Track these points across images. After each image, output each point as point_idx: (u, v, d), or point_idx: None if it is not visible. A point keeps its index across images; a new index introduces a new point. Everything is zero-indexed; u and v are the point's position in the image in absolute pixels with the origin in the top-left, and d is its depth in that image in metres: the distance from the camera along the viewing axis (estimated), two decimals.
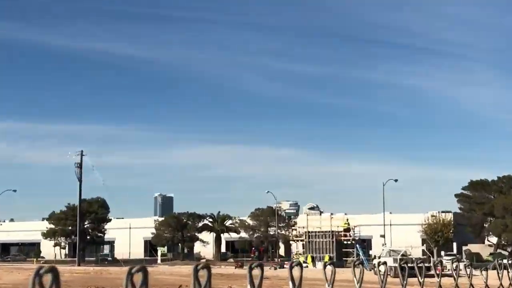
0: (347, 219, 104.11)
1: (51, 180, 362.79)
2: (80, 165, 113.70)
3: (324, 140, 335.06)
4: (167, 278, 64.71)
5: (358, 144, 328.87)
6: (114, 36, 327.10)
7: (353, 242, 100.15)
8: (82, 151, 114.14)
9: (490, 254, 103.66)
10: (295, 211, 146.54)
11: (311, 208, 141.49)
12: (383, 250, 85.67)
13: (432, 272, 64.88)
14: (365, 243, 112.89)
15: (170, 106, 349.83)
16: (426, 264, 66.38)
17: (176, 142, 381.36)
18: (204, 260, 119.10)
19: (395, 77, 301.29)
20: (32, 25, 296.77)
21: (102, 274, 76.47)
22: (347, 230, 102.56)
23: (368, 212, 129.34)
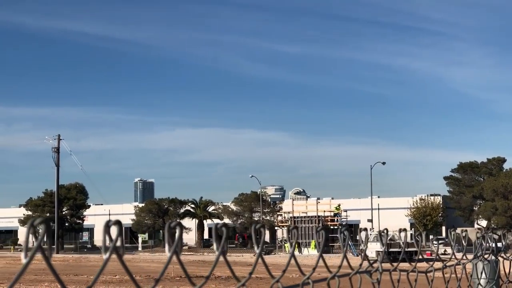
0: (339, 204, 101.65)
1: (28, 165, 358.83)
2: (57, 150, 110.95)
3: (310, 123, 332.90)
4: (148, 266, 62.93)
5: (345, 126, 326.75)
6: (91, 17, 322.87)
7: (339, 227, 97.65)
8: (59, 135, 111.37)
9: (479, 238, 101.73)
10: (280, 196, 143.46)
11: (297, 193, 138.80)
12: (370, 235, 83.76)
13: (420, 256, 63.14)
14: (353, 228, 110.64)
15: (150, 89, 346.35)
16: (413, 249, 63.31)
17: (157, 126, 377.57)
18: (186, 247, 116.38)
19: (382, 57, 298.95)
20: (5, 5, 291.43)
21: (81, 262, 74.50)
22: (337, 215, 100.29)
23: (355, 196, 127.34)
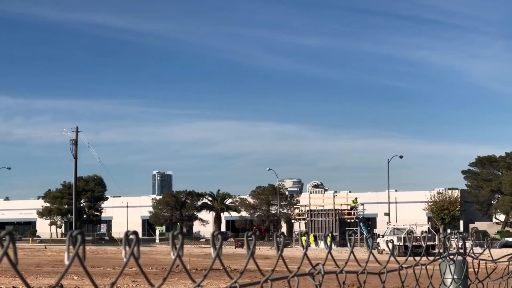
0: (356, 198, 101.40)
1: (47, 158, 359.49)
2: (75, 142, 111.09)
3: (329, 116, 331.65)
4: (164, 258, 63.04)
5: (364, 119, 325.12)
6: (110, 9, 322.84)
7: (356, 220, 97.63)
8: (77, 127, 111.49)
9: (498, 232, 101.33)
10: (298, 189, 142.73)
11: (315, 186, 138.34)
12: (387, 228, 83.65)
13: (437, 250, 63.01)
14: (370, 222, 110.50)
15: (168, 80, 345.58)
16: (430, 243, 62.90)
17: (175, 118, 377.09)
18: (203, 240, 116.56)
19: (401, 50, 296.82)
20: None
21: (99, 254, 74.86)
22: (354, 208, 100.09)
23: (373, 190, 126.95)
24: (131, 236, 2.37)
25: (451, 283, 4.48)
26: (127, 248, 2.36)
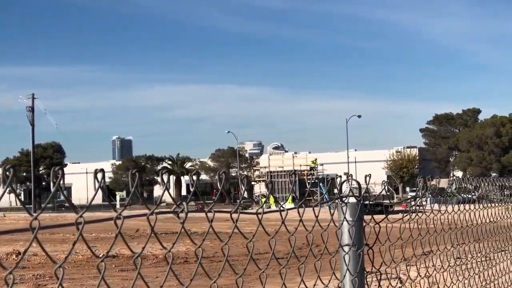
0: (316, 159, 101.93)
1: (4, 126, 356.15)
2: (31, 109, 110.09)
3: (290, 77, 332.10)
4: (125, 223, 62.40)
5: (324, 80, 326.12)
6: None
7: (316, 181, 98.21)
8: (33, 94, 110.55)
9: (455, 188, 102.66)
10: (259, 151, 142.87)
11: (276, 148, 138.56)
12: (346, 188, 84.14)
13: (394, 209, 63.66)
14: (330, 181, 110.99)
15: (126, 45, 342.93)
16: (387, 201, 63.48)
17: (134, 83, 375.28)
18: (164, 204, 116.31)
19: (361, 8, 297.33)
20: None
21: (59, 221, 74.29)
22: (313, 169, 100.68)
23: (333, 150, 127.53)
24: (99, 173, 2.38)
25: (342, 223, 4.61)
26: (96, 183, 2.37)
